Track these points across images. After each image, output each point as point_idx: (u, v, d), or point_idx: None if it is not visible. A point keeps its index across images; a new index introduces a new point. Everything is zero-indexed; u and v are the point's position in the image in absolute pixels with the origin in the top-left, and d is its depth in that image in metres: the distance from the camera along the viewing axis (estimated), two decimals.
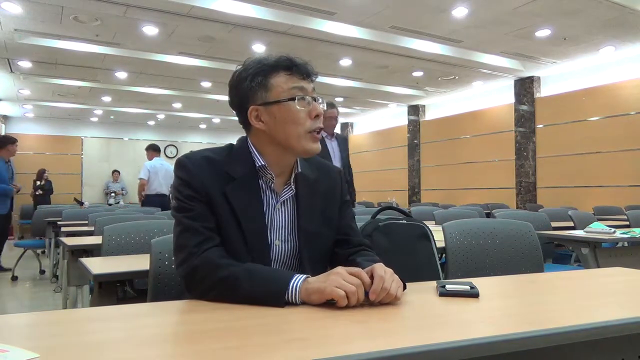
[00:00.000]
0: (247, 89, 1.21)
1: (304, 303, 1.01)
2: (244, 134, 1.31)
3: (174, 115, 12.43)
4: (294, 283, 1.02)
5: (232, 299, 1.04)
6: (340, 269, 1.03)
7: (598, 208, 5.84)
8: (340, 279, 0.99)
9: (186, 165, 1.19)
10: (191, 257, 1.11)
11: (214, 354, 0.72)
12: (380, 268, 1.05)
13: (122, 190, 12.63)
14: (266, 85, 1.20)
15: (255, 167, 1.23)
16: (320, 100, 1.24)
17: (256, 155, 1.23)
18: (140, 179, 6.61)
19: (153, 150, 6.83)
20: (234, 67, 1.27)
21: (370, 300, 1.00)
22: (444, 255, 2.00)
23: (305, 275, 1.04)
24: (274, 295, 1.01)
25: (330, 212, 1.32)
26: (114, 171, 12.86)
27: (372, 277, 1.03)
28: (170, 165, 6.73)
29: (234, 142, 1.29)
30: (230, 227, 1.17)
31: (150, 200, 6.49)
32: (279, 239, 1.24)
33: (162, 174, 6.60)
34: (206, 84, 9.02)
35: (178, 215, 1.18)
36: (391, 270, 1.05)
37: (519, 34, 6.25)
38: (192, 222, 1.15)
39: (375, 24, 6.01)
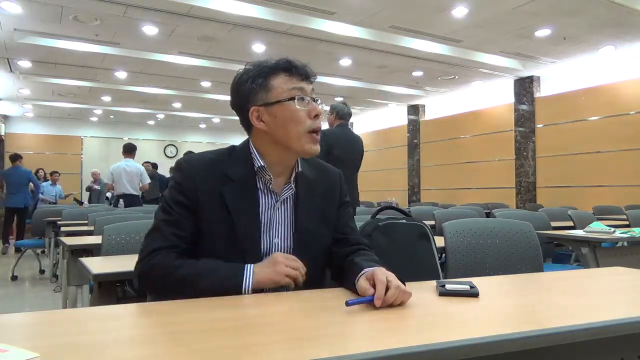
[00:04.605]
0: (248, 91, 1.25)
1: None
2: (244, 134, 1.34)
3: (173, 115, 12.42)
4: (246, 279, 1.13)
5: (190, 296, 1.09)
6: (279, 257, 1.17)
7: (598, 208, 5.83)
8: (285, 268, 1.15)
9: (181, 167, 1.25)
10: (147, 258, 1.18)
11: (214, 353, 0.72)
12: (381, 273, 1.04)
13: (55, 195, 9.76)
14: (266, 86, 1.23)
15: (254, 168, 1.25)
16: (320, 101, 1.28)
17: (256, 157, 1.26)
18: (106, 183, 6.93)
19: (123, 151, 6.88)
20: (234, 67, 1.30)
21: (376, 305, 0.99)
22: (443, 255, 2.00)
23: (251, 266, 1.15)
24: (230, 292, 1.11)
25: (329, 212, 1.34)
26: None
27: (374, 284, 1.02)
28: (135, 165, 6.81)
29: (234, 141, 1.32)
30: (223, 227, 1.20)
31: (118, 201, 6.64)
32: (277, 237, 1.27)
33: (125, 176, 6.64)
34: (206, 84, 9.02)
35: (157, 214, 1.24)
36: (393, 274, 1.05)
37: (518, 34, 6.25)
38: (164, 226, 1.20)
39: (375, 24, 6.01)
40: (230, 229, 1.20)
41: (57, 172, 10.30)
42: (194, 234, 1.22)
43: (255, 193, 1.25)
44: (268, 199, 1.26)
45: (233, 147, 1.32)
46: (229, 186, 1.22)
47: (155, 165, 10.33)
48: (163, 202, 1.24)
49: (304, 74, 1.26)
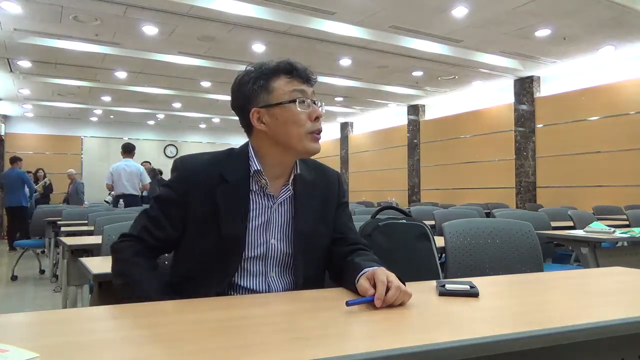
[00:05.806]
0: (249, 92, 1.25)
1: None
2: (244, 134, 1.34)
3: (173, 115, 12.42)
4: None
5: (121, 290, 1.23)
6: None
7: (598, 208, 5.83)
8: None
9: (177, 166, 1.29)
10: (120, 239, 1.28)
11: (214, 353, 0.72)
12: (381, 273, 1.05)
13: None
14: (267, 88, 1.24)
15: (250, 171, 1.26)
16: (320, 103, 1.29)
17: (253, 160, 1.27)
18: (106, 184, 6.91)
19: (123, 151, 6.90)
20: (234, 67, 1.31)
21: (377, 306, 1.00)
22: (443, 255, 2.00)
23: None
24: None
25: (328, 213, 1.35)
26: None
27: (374, 284, 1.03)
28: (135, 165, 6.83)
29: (234, 141, 1.32)
30: (211, 226, 1.22)
31: (117, 201, 6.70)
32: (274, 238, 1.27)
33: (125, 176, 6.67)
34: (206, 84, 9.02)
35: (150, 202, 1.31)
36: (393, 274, 1.05)
37: (518, 34, 6.25)
38: (144, 218, 1.28)
39: (375, 24, 6.00)
40: (217, 229, 1.21)
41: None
42: (178, 232, 1.25)
43: (249, 195, 1.26)
44: (264, 201, 1.27)
45: (232, 149, 1.33)
46: (223, 186, 1.23)
47: (160, 172, 10.31)
48: (154, 198, 1.30)
49: (305, 77, 1.26)
